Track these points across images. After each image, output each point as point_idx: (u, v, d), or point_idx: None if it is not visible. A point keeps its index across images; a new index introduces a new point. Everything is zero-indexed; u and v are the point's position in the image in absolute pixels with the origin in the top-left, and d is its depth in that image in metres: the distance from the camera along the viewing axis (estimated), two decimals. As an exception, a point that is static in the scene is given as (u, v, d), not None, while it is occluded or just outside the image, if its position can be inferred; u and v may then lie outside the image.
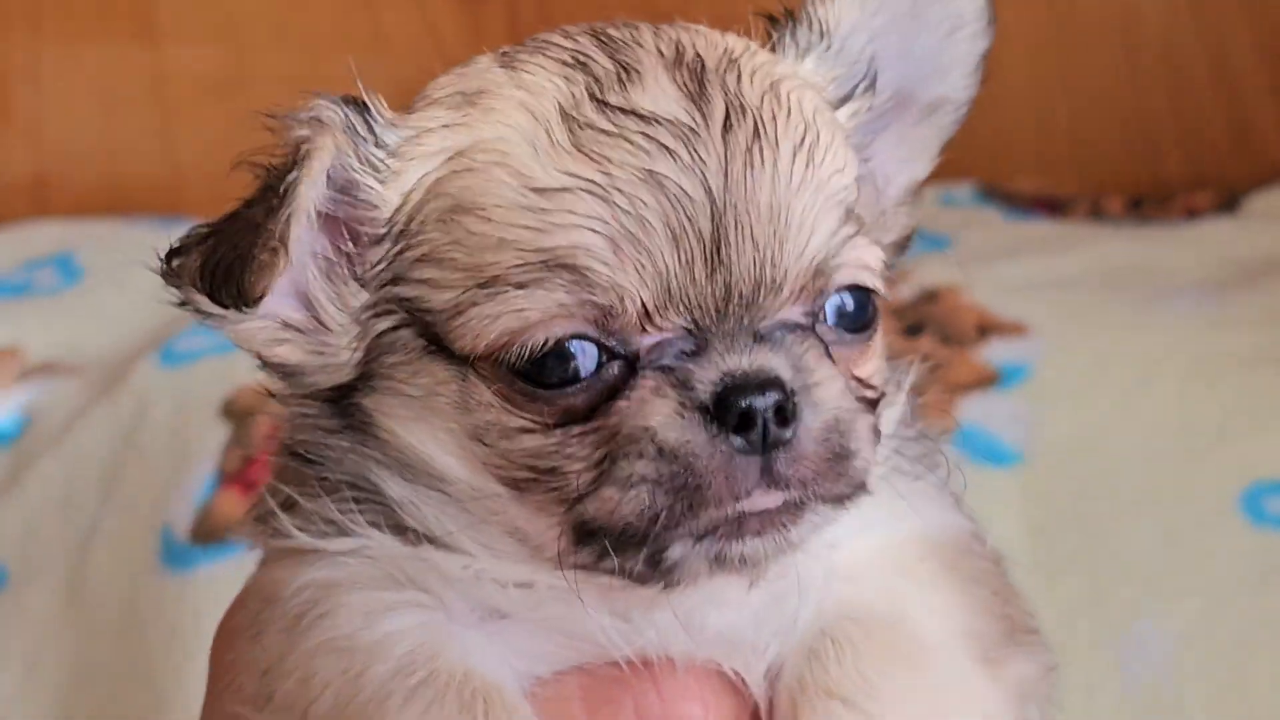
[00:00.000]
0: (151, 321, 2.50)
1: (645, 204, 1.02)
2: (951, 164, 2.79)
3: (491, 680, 1.11)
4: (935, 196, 2.69)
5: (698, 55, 1.08)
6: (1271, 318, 2.18)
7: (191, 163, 2.98)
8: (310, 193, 1.05)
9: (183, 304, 1.08)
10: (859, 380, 1.10)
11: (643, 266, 1.02)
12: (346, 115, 1.07)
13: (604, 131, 1.03)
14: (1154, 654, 1.95)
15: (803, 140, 1.06)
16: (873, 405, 1.11)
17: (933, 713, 1.14)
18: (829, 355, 1.07)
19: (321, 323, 1.11)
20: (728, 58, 1.09)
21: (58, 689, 2.11)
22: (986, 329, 2.20)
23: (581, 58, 1.07)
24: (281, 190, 1.03)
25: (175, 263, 1.06)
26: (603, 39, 1.09)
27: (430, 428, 1.09)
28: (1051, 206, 2.63)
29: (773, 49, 1.15)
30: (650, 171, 1.02)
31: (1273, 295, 2.24)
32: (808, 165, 1.06)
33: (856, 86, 1.16)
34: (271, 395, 1.18)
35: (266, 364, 1.13)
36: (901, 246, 1.24)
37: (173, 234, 2.65)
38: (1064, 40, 2.77)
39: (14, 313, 2.63)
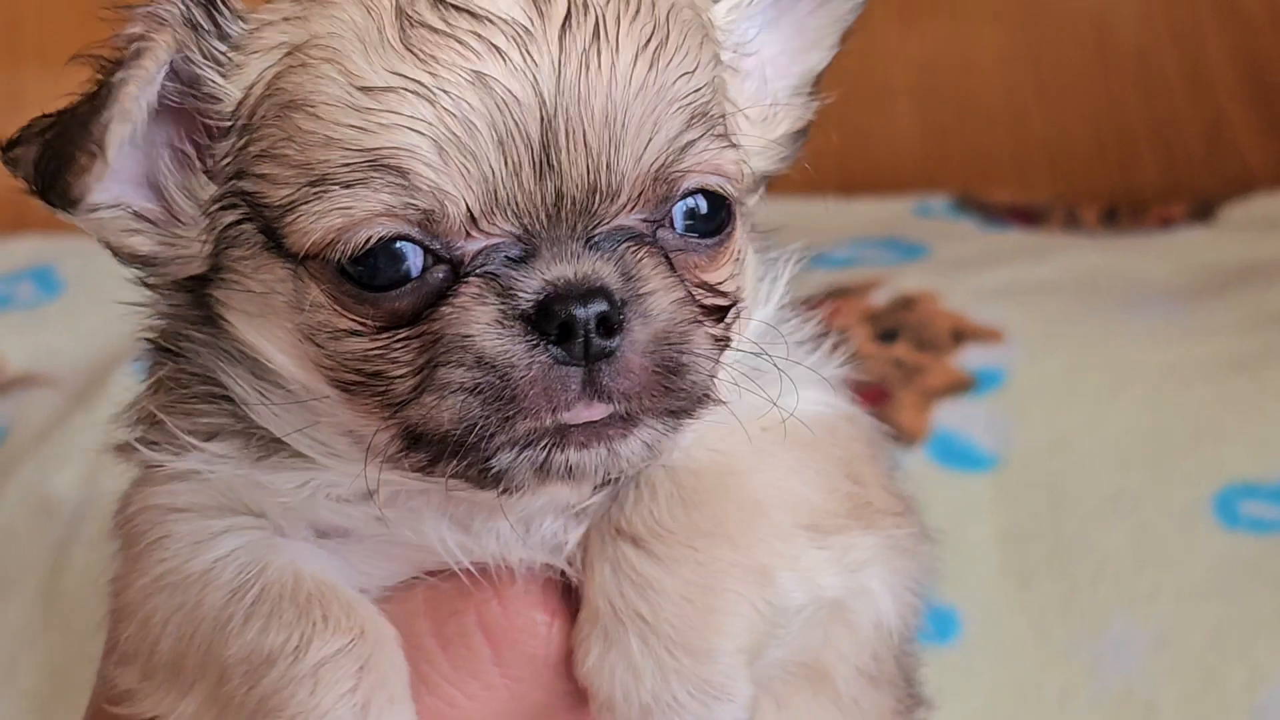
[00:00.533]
0: (129, 333, 2.50)
1: (471, 107, 1.01)
2: (927, 175, 2.78)
3: (324, 579, 1.12)
4: (911, 207, 2.72)
5: None
6: (1243, 324, 2.20)
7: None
8: (141, 93, 1.04)
9: (30, 191, 1.08)
10: (709, 287, 1.10)
11: (467, 171, 1.01)
12: (188, 8, 1.06)
13: (435, 30, 1.02)
14: (1127, 656, 1.96)
15: (648, 42, 1.06)
16: (723, 312, 1.10)
17: (730, 565, 1.13)
18: (669, 263, 1.07)
19: (173, 214, 1.11)
20: None
21: (35, 697, 2.11)
22: (961, 335, 2.21)
23: None
24: (105, 91, 1.04)
25: (14, 152, 1.07)
26: None
27: (269, 324, 1.09)
28: (1027, 216, 2.64)
29: None
30: (478, 73, 1.01)
31: (1245, 302, 2.25)
32: (650, 67, 1.05)
33: None
34: (142, 282, 1.17)
35: (119, 254, 1.13)
36: (798, 137, 1.23)
37: None
38: (1038, 50, 2.78)
39: None
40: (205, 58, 1.06)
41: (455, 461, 1.05)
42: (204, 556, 1.11)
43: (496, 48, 1.02)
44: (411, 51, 1.02)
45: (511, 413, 1.02)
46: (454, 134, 1.01)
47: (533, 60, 1.02)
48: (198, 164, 1.09)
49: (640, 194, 1.05)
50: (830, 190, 2.76)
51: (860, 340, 2.22)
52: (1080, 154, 2.77)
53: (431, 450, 1.06)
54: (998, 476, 2.10)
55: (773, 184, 2.91)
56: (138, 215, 1.10)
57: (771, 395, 1.13)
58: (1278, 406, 2.10)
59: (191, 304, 1.14)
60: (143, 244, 1.10)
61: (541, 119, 1.02)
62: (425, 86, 1.02)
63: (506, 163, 1.02)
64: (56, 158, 1.04)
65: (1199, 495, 2.04)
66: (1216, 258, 2.41)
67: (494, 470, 1.05)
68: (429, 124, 1.01)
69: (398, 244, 1.03)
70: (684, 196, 1.08)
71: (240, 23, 1.08)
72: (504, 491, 1.06)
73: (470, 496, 1.09)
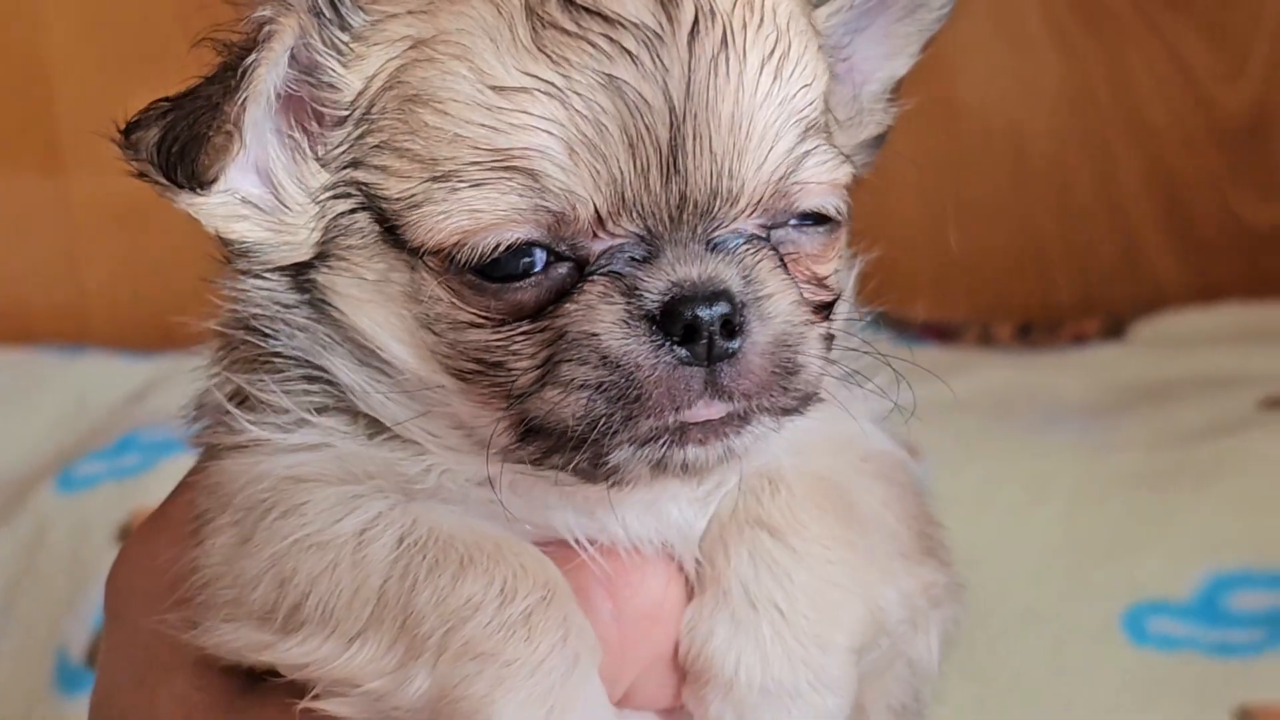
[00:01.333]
0: (52, 447, 2.51)
1: (603, 109, 1.02)
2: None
3: (505, 534, 1.12)
4: None
5: None
6: (1155, 441, 2.23)
7: (97, 290, 2.98)
8: (269, 75, 1.05)
9: (141, 175, 1.08)
10: (819, 281, 1.12)
11: (597, 172, 1.02)
12: (317, 7, 1.07)
13: (567, 32, 1.03)
14: None
15: (772, 51, 1.07)
16: (829, 307, 1.12)
17: (852, 570, 1.16)
18: (784, 266, 1.08)
19: (281, 201, 1.11)
20: None
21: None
22: None
23: None
24: (240, 72, 1.04)
25: (134, 135, 1.06)
26: None
27: (382, 312, 1.09)
28: (942, 333, 2.66)
29: None
30: (610, 76, 1.02)
31: (1156, 419, 2.28)
32: (775, 78, 1.06)
33: None
34: (229, 262, 1.15)
35: (223, 239, 1.12)
36: (877, 142, 1.26)
37: (78, 362, 2.61)
38: (955, 167, 2.79)
39: None
40: (326, 46, 1.07)
41: (571, 455, 1.06)
42: (352, 519, 1.10)
43: (628, 51, 1.03)
44: (544, 52, 1.03)
45: (635, 411, 1.03)
46: (586, 136, 1.02)
47: (663, 65, 1.03)
48: (309, 151, 1.10)
49: (759, 201, 1.07)
50: None
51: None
52: (996, 271, 2.79)
53: (548, 443, 1.06)
54: None
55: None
56: (245, 201, 1.10)
57: (840, 412, 1.16)
58: (1187, 523, 2.13)
59: (290, 288, 1.13)
60: (250, 230, 1.10)
61: (671, 123, 1.03)
62: (558, 88, 1.02)
63: (635, 165, 1.03)
64: (187, 138, 1.04)
65: (1110, 611, 2.07)
66: (1128, 375, 2.44)
67: (609, 465, 1.06)
68: (561, 125, 1.02)
69: (530, 246, 1.04)
70: (799, 216, 1.10)
71: (361, 14, 1.08)
72: (614, 485, 1.07)
73: (579, 489, 1.10)
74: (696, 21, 1.04)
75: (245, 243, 1.11)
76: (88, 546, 2.32)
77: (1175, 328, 2.61)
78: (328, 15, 1.06)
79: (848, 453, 1.20)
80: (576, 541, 1.14)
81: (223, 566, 1.12)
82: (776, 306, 1.05)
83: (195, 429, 1.22)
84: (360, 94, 1.08)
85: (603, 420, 1.03)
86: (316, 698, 1.08)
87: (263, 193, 1.11)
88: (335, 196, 1.09)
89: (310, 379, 1.13)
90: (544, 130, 1.02)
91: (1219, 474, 2.18)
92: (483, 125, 1.03)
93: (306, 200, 1.09)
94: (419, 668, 1.06)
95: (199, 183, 1.05)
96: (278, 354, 1.14)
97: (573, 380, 1.03)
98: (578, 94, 1.02)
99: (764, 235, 1.08)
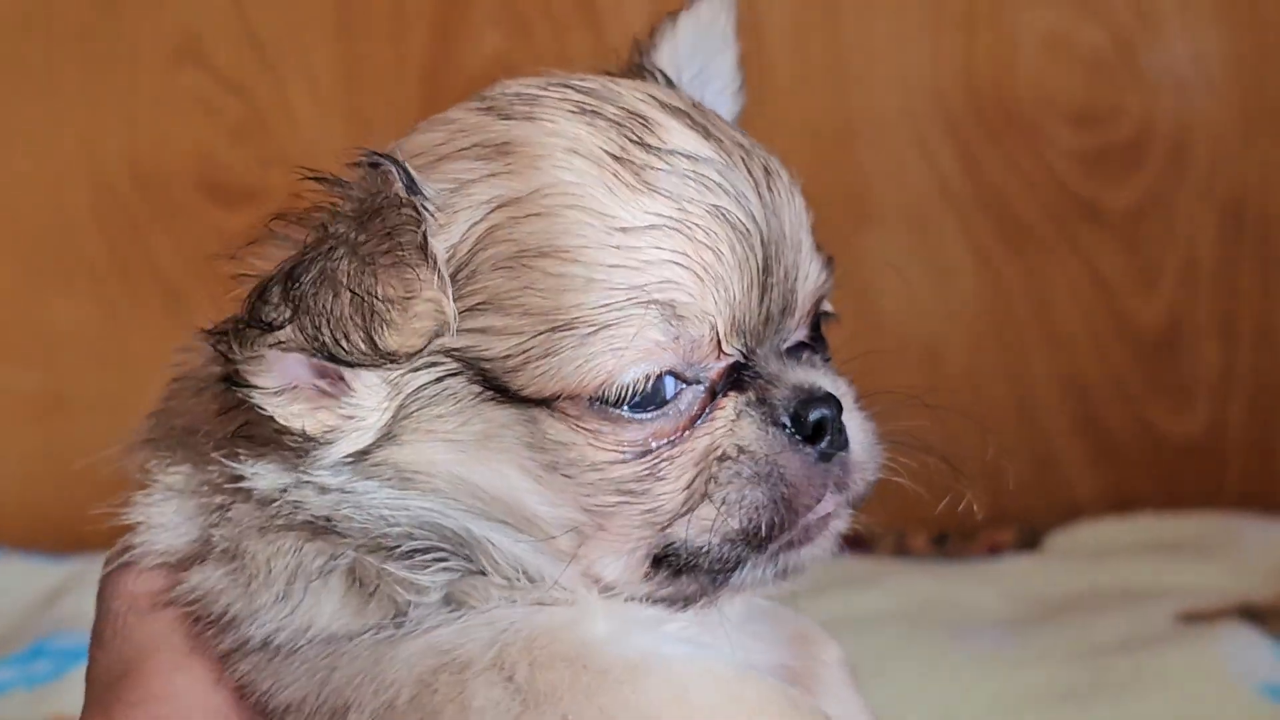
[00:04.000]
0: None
1: (718, 236, 1.06)
2: None
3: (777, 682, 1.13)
4: None
5: (671, 100, 1.13)
6: (1071, 655, 2.22)
7: (8, 488, 2.97)
8: (432, 238, 1.05)
9: (228, 378, 1.06)
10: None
11: (718, 296, 1.07)
12: (400, 170, 1.07)
13: (664, 170, 1.07)
14: None
15: (790, 177, 1.14)
16: None
17: None
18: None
19: (346, 383, 1.08)
20: (688, 102, 1.15)
21: None
22: None
23: (587, 107, 1.10)
24: (415, 240, 1.03)
25: (265, 329, 1.03)
26: (580, 91, 1.12)
27: (493, 467, 1.08)
28: (856, 543, 2.63)
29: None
30: (716, 205, 1.07)
31: (1072, 632, 2.27)
32: (796, 199, 1.13)
33: None
34: (271, 446, 1.11)
35: (298, 436, 1.08)
36: None
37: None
38: (872, 377, 2.78)
39: None
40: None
41: (698, 575, 1.09)
42: (658, 672, 1.08)
43: (717, 183, 1.08)
44: (656, 191, 1.06)
45: (790, 513, 1.08)
46: (707, 263, 1.06)
47: (741, 191, 1.08)
48: None
49: (809, 311, 1.14)
50: None
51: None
52: (910, 481, 2.77)
53: (679, 565, 1.09)
54: None
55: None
56: (318, 391, 1.09)
57: None
58: None
59: (350, 477, 1.10)
60: (328, 418, 1.08)
61: (763, 244, 1.09)
62: (679, 221, 1.06)
63: (744, 285, 1.08)
64: (357, 316, 1.02)
65: None
66: (1044, 587, 2.45)
67: (734, 582, 1.10)
68: (688, 256, 1.06)
69: (667, 376, 1.06)
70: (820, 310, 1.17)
71: (432, 184, 1.08)
72: (711, 603, 1.11)
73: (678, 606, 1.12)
74: (739, 153, 1.11)
75: (324, 433, 1.08)
76: None
77: (1090, 539, 2.63)
78: (409, 185, 1.07)
79: None
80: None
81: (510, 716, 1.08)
82: (851, 404, 1.14)
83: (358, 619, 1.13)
84: (445, 261, 1.08)
85: (766, 526, 1.07)
86: None
87: (324, 381, 1.09)
88: (415, 369, 1.08)
89: (424, 551, 1.11)
90: (675, 262, 1.06)
91: (1137, 690, 2.16)
92: (616, 265, 1.05)
93: (376, 380, 1.08)
94: None
95: (393, 356, 1.05)
96: (382, 538, 1.11)
97: (729, 495, 1.07)
98: (696, 224, 1.06)
99: (812, 344, 1.16)
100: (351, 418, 1.08)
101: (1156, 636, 2.26)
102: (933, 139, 2.75)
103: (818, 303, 1.16)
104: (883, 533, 2.70)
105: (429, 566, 1.10)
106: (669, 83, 1.22)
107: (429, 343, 1.05)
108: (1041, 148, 2.73)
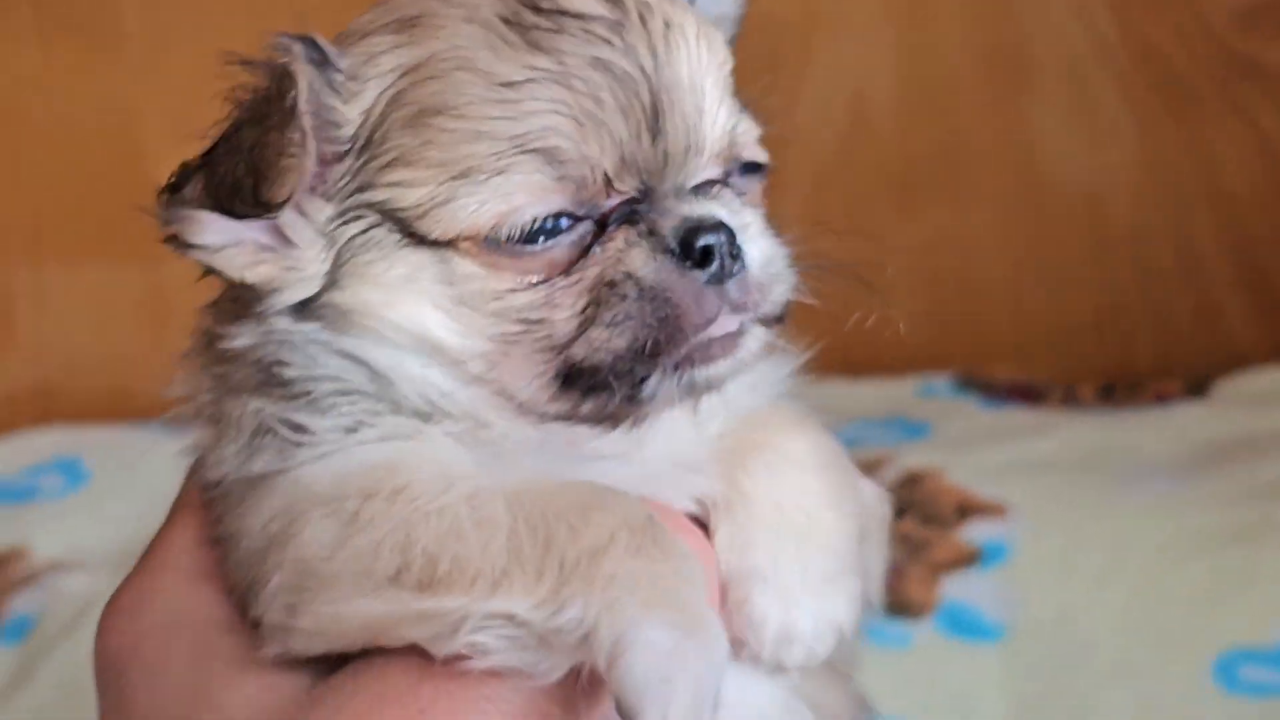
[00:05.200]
0: (156, 521, 2.56)
1: (599, 84, 1.12)
2: (930, 355, 2.84)
3: (588, 481, 1.16)
4: (914, 387, 2.79)
5: None
6: (1238, 497, 2.25)
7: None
8: (304, 105, 1.12)
9: (170, 239, 1.15)
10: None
11: (603, 140, 1.12)
12: (306, 49, 1.14)
13: (549, 30, 1.12)
14: None
15: (698, 31, 1.17)
16: None
17: (841, 472, 1.27)
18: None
19: (287, 240, 1.16)
20: None
21: None
22: (966, 510, 2.29)
23: None
24: (287, 106, 1.10)
25: (176, 195, 1.13)
26: None
27: (414, 305, 1.15)
28: (1026, 394, 2.71)
29: None
30: (596, 57, 1.12)
31: (1239, 476, 2.30)
32: (709, 50, 1.17)
33: None
34: (232, 308, 1.20)
35: (244, 288, 1.16)
36: None
37: (176, 438, 2.65)
38: (1038, 234, 2.86)
39: (19, 516, 2.66)
40: (325, 86, 1.14)
41: (610, 392, 1.14)
42: (458, 489, 1.13)
43: (603, 37, 1.13)
44: (538, 47, 1.12)
45: (675, 331, 1.12)
46: (589, 110, 1.12)
47: (631, 45, 1.13)
48: (311, 190, 1.16)
49: (717, 152, 1.17)
50: (835, 373, 2.85)
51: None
52: (1078, 333, 2.85)
53: (587, 383, 1.14)
54: (1006, 647, 2.17)
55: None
56: (259, 247, 1.16)
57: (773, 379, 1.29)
58: (1272, 576, 2.15)
59: (300, 321, 1.17)
60: (270, 271, 1.15)
61: (650, 90, 1.13)
62: (557, 73, 1.12)
63: (629, 130, 1.13)
64: (243, 172, 1.11)
65: (1200, 662, 2.10)
66: (1211, 432, 2.48)
67: (644, 395, 1.14)
68: (567, 104, 1.11)
69: (558, 216, 1.12)
70: (742, 166, 1.20)
71: (345, 57, 1.15)
72: (636, 422, 1.16)
73: (599, 441, 1.18)
74: (639, 11, 1.15)
75: (268, 285, 1.16)
76: None
77: (1256, 386, 2.64)
78: (320, 61, 1.14)
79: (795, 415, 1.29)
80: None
81: (328, 551, 1.14)
82: (756, 230, 1.16)
83: (248, 452, 1.21)
84: (360, 126, 1.15)
85: (649, 344, 1.12)
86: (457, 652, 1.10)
87: (269, 238, 1.16)
88: (345, 222, 1.16)
89: (343, 393, 1.18)
90: (555, 111, 1.12)
91: None
92: (499, 118, 1.11)
93: (314, 234, 1.16)
94: (572, 595, 1.09)
95: (269, 207, 1.12)
96: (309, 382, 1.18)
97: (616, 317, 1.12)
98: (575, 76, 1.12)
99: (725, 180, 1.18)
100: (293, 269, 1.15)
101: None
102: (1090, -1, 2.78)
103: (733, 146, 1.21)
104: (1051, 385, 2.75)
105: (334, 409, 1.17)
106: None
107: (293, 193, 1.12)
108: (1200, 5, 2.73)
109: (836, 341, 2.94)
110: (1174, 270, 2.81)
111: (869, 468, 2.35)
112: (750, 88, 1.25)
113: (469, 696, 1.10)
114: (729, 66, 1.20)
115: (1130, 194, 2.77)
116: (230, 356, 1.21)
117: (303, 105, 1.12)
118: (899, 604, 2.20)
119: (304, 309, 1.18)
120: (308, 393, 1.17)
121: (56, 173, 2.99)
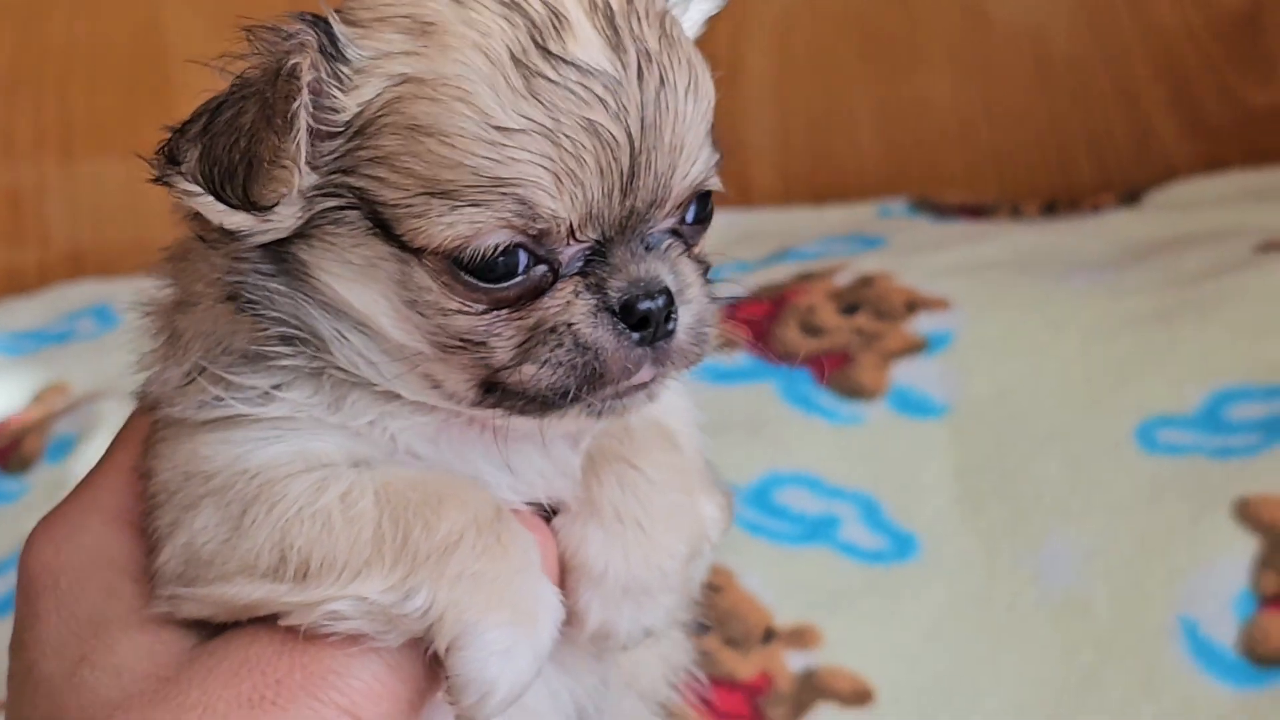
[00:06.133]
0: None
1: (584, 147, 1.12)
2: (887, 180, 3.00)
3: (453, 475, 1.23)
4: (873, 209, 2.92)
5: None
6: (1161, 284, 2.36)
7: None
8: (304, 113, 1.13)
9: (159, 179, 1.16)
10: (699, 258, 1.24)
11: (575, 197, 1.13)
12: (319, 36, 1.14)
13: (550, 80, 1.12)
14: (1065, 566, 2.13)
15: (690, 80, 1.18)
16: (706, 274, 1.25)
17: (687, 493, 1.32)
18: (689, 251, 1.23)
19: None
20: None
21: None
22: (914, 305, 2.42)
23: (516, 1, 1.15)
24: (290, 113, 1.11)
25: (173, 154, 1.14)
26: None
27: (369, 291, 1.17)
28: (975, 213, 2.85)
29: None
30: (589, 119, 1.12)
31: (1163, 267, 2.44)
32: (695, 104, 1.18)
33: None
34: (203, 240, 1.22)
35: (212, 225, 1.17)
36: None
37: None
38: (983, 65, 2.99)
39: (59, 357, 2.82)
40: (329, 76, 1.14)
41: (527, 407, 1.18)
42: (332, 490, 1.18)
43: (599, 98, 1.13)
44: (536, 98, 1.11)
45: (596, 382, 1.16)
46: (570, 169, 1.12)
47: (624, 107, 1.13)
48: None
49: (679, 205, 1.19)
50: (803, 200, 3.01)
51: (826, 314, 2.43)
52: (1023, 157, 2.98)
53: (509, 401, 1.18)
54: (950, 421, 2.30)
55: (755, 196, 3.14)
56: None
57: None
58: (1190, 350, 2.27)
59: (266, 259, 1.20)
60: (241, 221, 1.15)
61: (631, 154, 1.14)
62: (549, 129, 1.11)
63: (603, 189, 1.13)
64: (236, 163, 1.12)
65: (1123, 427, 2.22)
66: (1141, 234, 2.59)
67: (555, 414, 1.19)
68: (551, 160, 1.12)
69: (518, 251, 1.14)
70: (695, 198, 1.22)
71: (357, 49, 1.15)
72: (550, 420, 1.20)
73: (513, 426, 1.22)
74: (639, 65, 1.14)
75: (231, 230, 1.17)
76: None
77: (1183, 194, 2.75)
78: (330, 51, 1.14)
79: (671, 408, 1.35)
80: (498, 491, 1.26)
81: (216, 545, 1.19)
82: (694, 294, 1.19)
83: (170, 396, 1.25)
84: (356, 115, 1.15)
85: (573, 389, 1.15)
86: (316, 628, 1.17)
87: None
88: (323, 195, 1.16)
89: (286, 340, 1.20)
90: (538, 164, 1.11)
91: (1219, 307, 2.31)
92: (485, 158, 1.11)
93: (295, 196, 1.15)
94: (420, 585, 1.15)
95: (256, 207, 1.14)
96: (257, 319, 1.21)
97: (549, 360, 1.15)
98: (565, 135, 1.11)
99: (678, 231, 1.21)
100: (268, 221, 1.16)
101: (1238, 263, 2.38)
102: None
103: (696, 192, 1.21)
104: (998, 204, 2.90)
105: (264, 363, 1.21)
106: None
107: (279, 200, 1.13)
108: None
109: (804, 173, 3.16)
110: (1111, 96, 2.93)
111: (827, 274, 2.54)
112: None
113: (322, 670, 1.16)
114: (711, 106, 1.21)
115: (1070, 28, 2.87)
116: (196, 275, 1.25)
117: (304, 117, 1.13)
118: (853, 389, 2.33)
119: (269, 250, 1.19)
120: (259, 326, 1.20)
121: (89, 81, 3.08)
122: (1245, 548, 2.07)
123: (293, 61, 1.12)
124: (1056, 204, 2.80)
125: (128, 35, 3.14)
